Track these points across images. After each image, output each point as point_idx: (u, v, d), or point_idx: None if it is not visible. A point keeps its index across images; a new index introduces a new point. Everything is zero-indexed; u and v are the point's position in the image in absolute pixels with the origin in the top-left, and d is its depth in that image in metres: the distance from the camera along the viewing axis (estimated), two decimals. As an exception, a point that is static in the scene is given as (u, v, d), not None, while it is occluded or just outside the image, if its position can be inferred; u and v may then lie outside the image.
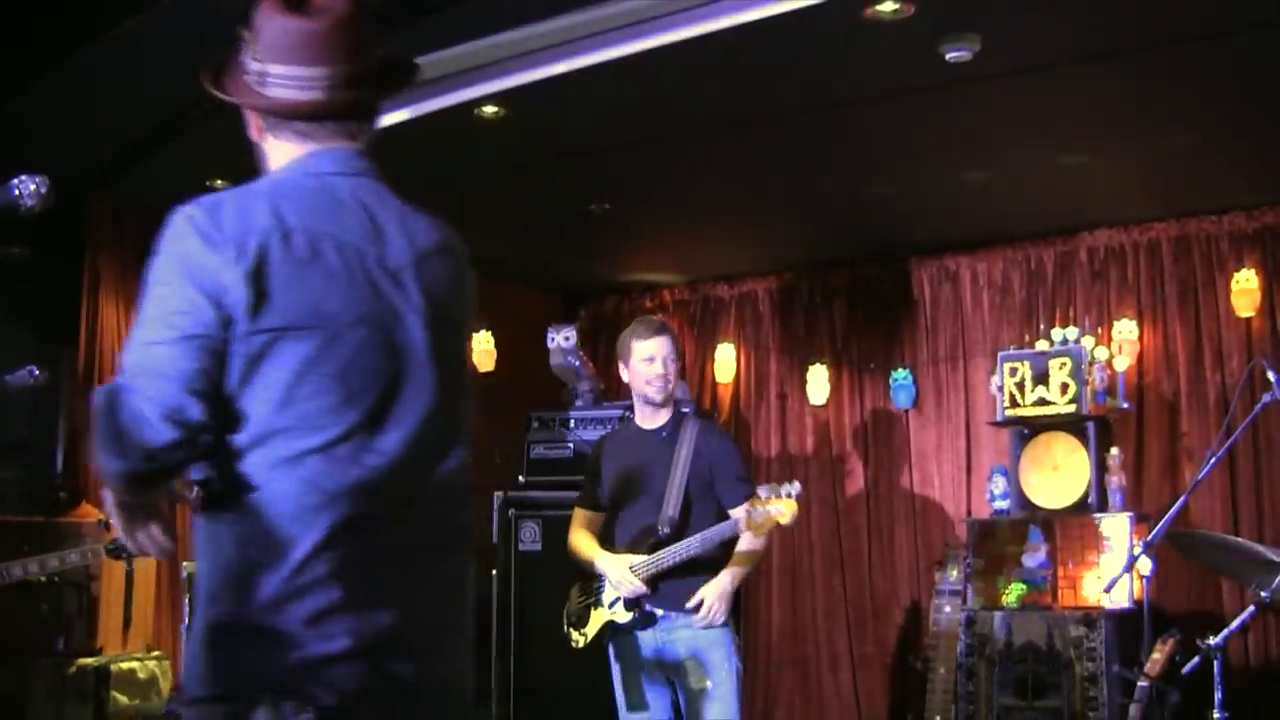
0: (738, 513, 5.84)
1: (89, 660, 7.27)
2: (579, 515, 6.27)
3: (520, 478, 8.57)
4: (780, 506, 5.73)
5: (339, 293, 2.71)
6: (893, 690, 9.40)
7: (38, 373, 5.07)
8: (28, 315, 7.76)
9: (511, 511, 8.38)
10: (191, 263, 2.61)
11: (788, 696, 9.79)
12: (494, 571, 8.34)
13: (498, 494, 8.46)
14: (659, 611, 5.88)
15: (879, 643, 9.49)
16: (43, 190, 2.68)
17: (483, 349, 10.30)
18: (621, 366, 6.19)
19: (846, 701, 9.57)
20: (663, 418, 6.13)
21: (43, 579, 7.39)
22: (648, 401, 6.11)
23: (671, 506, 5.92)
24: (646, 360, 6.04)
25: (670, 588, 5.86)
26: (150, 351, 2.58)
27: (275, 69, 2.82)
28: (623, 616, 5.92)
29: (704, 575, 5.86)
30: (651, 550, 5.87)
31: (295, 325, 2.64)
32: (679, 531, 5.89)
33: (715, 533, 5.86)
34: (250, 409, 2.63)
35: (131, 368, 2.58)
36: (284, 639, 2.60)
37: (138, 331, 2.61)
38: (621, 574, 5.87)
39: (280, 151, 2.90)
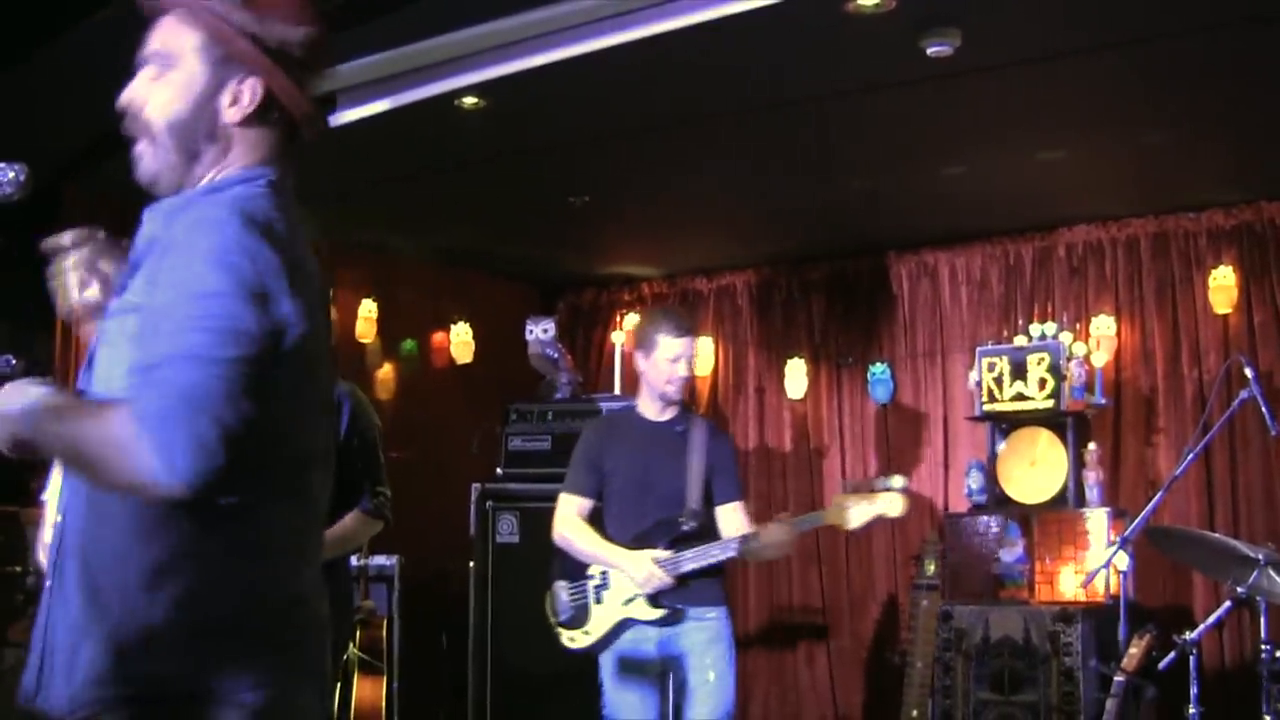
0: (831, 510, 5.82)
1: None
2: (569, 502, 6.13)
3: (498, 469, 8.55)
4: (887, 498, 5.69)
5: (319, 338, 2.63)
6: (869, 684, 9.41)
7: (14, 362, 5.03)
8: (2, 304, 7.71)
9: (489, 503, 8.36)
10: (266, 284, 2.45)
11: (763, 690, 9.79)
12: (471, 564, 8.32)
13: (475, 485, 8.44)
14: (681, 608, 5.81)
15: (856, 637, 9.50)
16: (21, 178, 2.64)
17: (461, 341, 10.31)
18: (639, 355, 6.08)
19: (823, 695, 9.58)
20: (672, 411, 6.08)
21: (17, 569, 7.37)
22: (664, 398, 6.04)
23: (694, 500, 5.87)
24: (672, 360, 5.96)
25: (695, 582, 5.80)
26: (218, 370, 2.37)
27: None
28: (649, 614, 5.81)
29: (721, 570, 5.88)
30: (673, 544, 5.80)
31: (305, 369, 2.57)
32: (704, 526, 5.85)
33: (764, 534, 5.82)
34: (260, 437, 2.48)
35: (190, 382, 2.36)
36: (277, 650, 2.58)
37: (195, 338, 2.38)
38: (648, 570, 5.78)
39: (252, 143, 2.69)
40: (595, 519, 6.09)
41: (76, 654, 2.51)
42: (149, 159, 2.69)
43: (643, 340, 6.07)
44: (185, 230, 2.51)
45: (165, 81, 2.66)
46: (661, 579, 5.75)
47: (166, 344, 2.40)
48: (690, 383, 6.13)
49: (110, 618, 2.49)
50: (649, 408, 6.11)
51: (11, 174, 2.64)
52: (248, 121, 2.67)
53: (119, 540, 2.51)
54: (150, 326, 2.45)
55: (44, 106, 6.58)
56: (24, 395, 2.48)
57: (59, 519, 2.66)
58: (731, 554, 5.80)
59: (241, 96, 2.65)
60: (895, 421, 9.59)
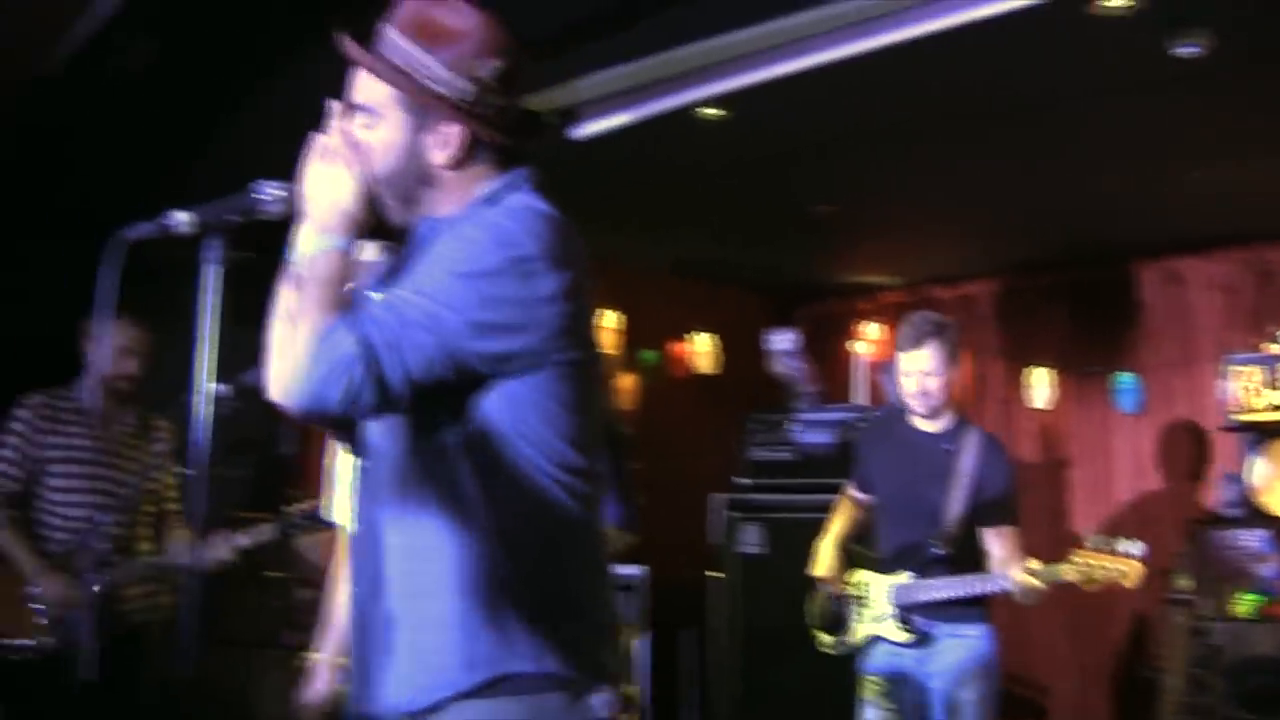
0: (1064, 568, 5.47)
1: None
2: (847, 499, 6.14)
3: (741, 480, 8.55)
4: (1123, 567, 5.42)
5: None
6: (1120, 701, 9.22)
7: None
8: (257, 318, 7.95)
9: (732, 514, 8.36)
10: (529, 287, 2.59)
11: (1011, 707, 9.65)
12: (715, 574, 8.33)
13: (717, 495, 8.45)
14: (932, 628, 5.69)
15: (1105, 652, 9.31)
16: (285, 196, 2.71)
17: (702, 351, 10.36)
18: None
19: (1072, 713, 9.41)
20: (941, 423, 5.88)
21: (282, 576, 7.58)
22: (914, 411, 5.89)
23: (951, 523, 5.68)
24: (905, 375, 5.82)
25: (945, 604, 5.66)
26: (431, 327, 2.53)
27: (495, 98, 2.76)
28: (896, 635, 5.71)
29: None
30: (926, 567, 5.68)
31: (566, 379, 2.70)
32: (960, 552, 5.67)
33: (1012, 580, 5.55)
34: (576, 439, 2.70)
35: (398, 325, 2.52)
36: (600, 628, 2.74)
37: (437, 303, 2.54)
38: (879, 604, 5.75)
39: (472, 178, 2.79)
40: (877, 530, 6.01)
41: (423, 650, 2.64)
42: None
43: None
44: (463, 227, 2.65)
45: (374, 136, 2.74)
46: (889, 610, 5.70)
47: (396, 294, 2.57)
48: (934, 396, 5.81)
49: (461, 614, 2.61)
50: (916, 417, 5.93)
51: (278, 192, 2.71)
52: (461, 160, 2.75)
53: (472, 542, 2.63)
54: (399, 282, 2.62)
55: (295, 128, 6.75)
56: (330, 223, 2.68)
57: (356, 530, 2.80)
58: (957, 594, 5.61)
59: (446, 142, 2.73)
60: (1143, 432, 9.39)
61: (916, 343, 5.78)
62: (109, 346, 5.97)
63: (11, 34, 6.05)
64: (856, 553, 6.03)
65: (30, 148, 7.11)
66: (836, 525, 6.10)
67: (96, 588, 5.75)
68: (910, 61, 6.06)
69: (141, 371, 6.04)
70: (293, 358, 2.55)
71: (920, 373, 5.77)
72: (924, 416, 5.86)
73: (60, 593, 5.78)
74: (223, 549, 5.71)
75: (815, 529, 6.15)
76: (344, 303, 2.60)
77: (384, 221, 2.83)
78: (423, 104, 2.70)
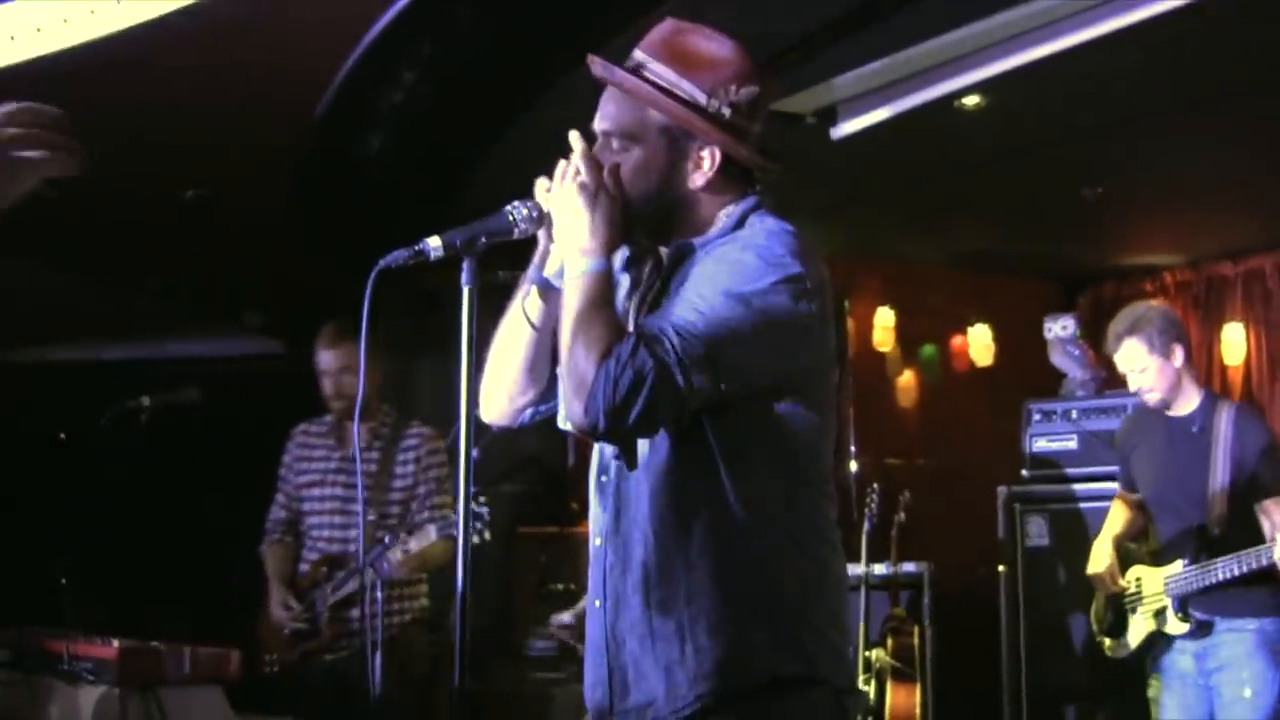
0: None
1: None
2: (1119, 499, 6.02)
3: (1023, 471, 8.40)
4: None
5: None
6: None
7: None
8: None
9: (1016, 505, 8.21)
10: (798, 306, 2.64)
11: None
12: (1001, 568, 8.20)
13: (1001, 488, 8.31)
14: (1211, 620, 5.49)
15: None
16: (535, 214, 2.74)
17: (981, 343, 10.22)
18: None
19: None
20: (1187, 405, 5.71)
21: (559, 587, 7.68)
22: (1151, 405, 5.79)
23: (1219, 504, 5.51)
24: (1125, 375, 5.76)
25: (1229, 592, 5.43)
26: (718, 343, 2.56)
27: (754, 123, 2.80)
28: (1177, 627, 5.55)
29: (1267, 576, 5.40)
30: (1199, 554, 5.49)
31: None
32: (1234, 533, 5.46)
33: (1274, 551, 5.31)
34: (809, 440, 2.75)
35: (684, 345, 2.54)
36: (847, 631, 2.86)
37: (718, 322, 2.57)
38: (1155, 597, 5.61)
39: (719, 202, 2.81)
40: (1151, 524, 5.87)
41: (672, 658, 2.69)
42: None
43: None
44: (726, 249, 2.69)
45: (628, 159, 2.78)
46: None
47: (674, 314, 2.60)
48: (1152, 388, 5.66)
49: (711, 620, 2.67)
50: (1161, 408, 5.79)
51: (524, 210, 2.75)
52: (713, 183, 2.79)
53: (731, 547, 2.68)
54: (677, 301, 2.64)
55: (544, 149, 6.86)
56: (584, 237, 2.69)
57: (598, 542, 2.83)
58: (1226, 576, 5.38)
59: (703, 163, 2.77)
60: None
61: (1117, 343, 5.72)
62: (319, 372, 6.10)
63: (289, 73, 6.25)
64: (1130, 550, 5.88)
65: (310, 182, 7.38)
66: (1112, 525, 5.97)
67: (322, 605, 5.95)
68: (1176, 34, 5.89)
69: (349, 388, 6.02)
70: (577, 379, 2.58)
71: (1132, 370, 5.69)
72: (1160, 408, 5.73)
73: (272, 612, 6.04)
74: (396, 554, 5.68)
75: (1100, 518, 6.03)
76: (615, 323, 2.64)
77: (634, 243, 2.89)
78: (683, 127, 2.74)
